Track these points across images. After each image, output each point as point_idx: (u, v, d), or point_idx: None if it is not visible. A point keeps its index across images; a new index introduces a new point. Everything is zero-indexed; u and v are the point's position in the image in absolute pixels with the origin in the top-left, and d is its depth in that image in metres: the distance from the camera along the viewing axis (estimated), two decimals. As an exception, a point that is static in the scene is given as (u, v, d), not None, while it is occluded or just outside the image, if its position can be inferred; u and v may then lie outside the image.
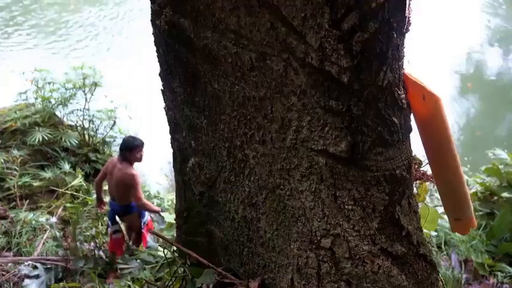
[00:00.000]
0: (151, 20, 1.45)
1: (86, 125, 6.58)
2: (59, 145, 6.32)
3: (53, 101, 6.50)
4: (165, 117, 1.72)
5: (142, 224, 4.26)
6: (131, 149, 3.87)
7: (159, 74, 1.60)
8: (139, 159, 3.96)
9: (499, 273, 3.59)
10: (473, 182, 4.65)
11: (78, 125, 6.59)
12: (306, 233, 1.18)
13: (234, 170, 1.39)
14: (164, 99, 1.63)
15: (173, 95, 1.50)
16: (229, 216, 1.50)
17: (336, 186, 1.11)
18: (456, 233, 1.25)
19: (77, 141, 6.34)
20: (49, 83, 6.55)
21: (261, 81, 1.15)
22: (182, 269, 1.79)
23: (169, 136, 1.78)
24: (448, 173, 1.13)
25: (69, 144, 6.27)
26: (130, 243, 4.38)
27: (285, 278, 1.30)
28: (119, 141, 6.92)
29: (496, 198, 4.27)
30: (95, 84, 6.48)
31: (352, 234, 1.12)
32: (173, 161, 1.80)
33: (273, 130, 1.19)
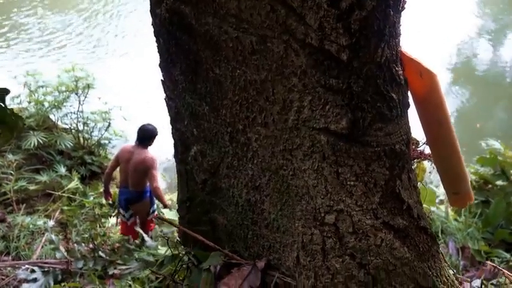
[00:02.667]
0: (151, 11, 1.48)
1: (80, 128, 6.58)
2: (54, 148, 6.32)
3: (46, 105, 6.48)
4: (165, 108, 1.74)
5: (150, 211, 4.41)
6: (153, 137, 4.03)
7: (159, 65, 1.62)
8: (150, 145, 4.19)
9: (495, 258, 3.65)
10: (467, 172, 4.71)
11: (72, 127, 6.58)
12: (310, 210, 1.22)
13: (236, 155, 1.42)
14: (164, 89, 1.66)
15: (174, 84, 1.53)
16: (232, 201, 1.52)
17: (338, 163, 1.15)
18: (454, 207, 1.29)
19: (72, 144, 6.34)
20: (42, 87, 6.53)
21: (262, 64, 1.18)
22: (187, 258, 1.81)
23: (169, 127, 1.80)
24: (445, 147, 1.17)
25: (64, 147, 6.26)
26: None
27: (290, 257, 1.33)
28: (114, 142, 6.94)
29: (490, 186, 4.34)
30: (88, 87, 6.48)
31: (355, 209, 1.16)
32: (174, 151, 1.83)
33: (274, 112, 1.23)
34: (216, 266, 1.40)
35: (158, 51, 1.58)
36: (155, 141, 4.22)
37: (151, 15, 1.48)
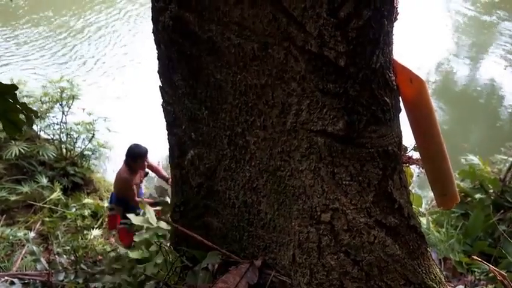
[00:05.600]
0: (152, 18, 1.53)
1: (64, 139, 6.51)
2: (36, 159, 6.23)
3: (29, 115, 6.41)
4: (163, 113, 1.79)
5: (123, 222, 4.53)
6: (132, 157, 4.18)
7: (158, 71, 1.67)
8: (143, 168, 4.34)
9: (476, 270, 3.74)
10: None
11: (55, 138, 6.51)
12: (307, 209, 1.27)
13: (234, 157, 1.47)
14: (162, 95, 1.71)
15: (173, 89, 1.58)
16: (228, 203, 1.57)
17: (334, 164, 1.21)
18: (442, 208, 1.36)
19: (54, 155, 6.26)
20: (24, 97, 6.47)
21: (263, 70, 1.25)
22: (180, 262, 1.83)
23: (166, 132, 1.84)
24: (433, 150, 1.25)
25: (46, 158, 6.18)
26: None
27: (286, 255, 1.37)
28: (98, 154, 6.89)
29: (469, 199, 4.47)
30: (73, 98, 6.44)
31: (349, 207, 1.22)
32: (170, 156, 1.86)
33: (273, 115, 1.29)
34: (214, 265, 1.43)
35: (158, 58, 1.63)
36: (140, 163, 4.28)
37: (153, 23, 1.54)
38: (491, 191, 4.41)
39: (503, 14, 11.28)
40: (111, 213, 4.64)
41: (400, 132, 1.26)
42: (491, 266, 1.41)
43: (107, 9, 11.07)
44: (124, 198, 4.38)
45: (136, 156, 4.17)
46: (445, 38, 10.63)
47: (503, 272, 1.37)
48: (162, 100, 1.73)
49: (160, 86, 1.69)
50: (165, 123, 1.81)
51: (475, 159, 4.97)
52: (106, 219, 5.16)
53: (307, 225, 1.27)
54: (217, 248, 1.52)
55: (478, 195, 4.40)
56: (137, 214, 4.59)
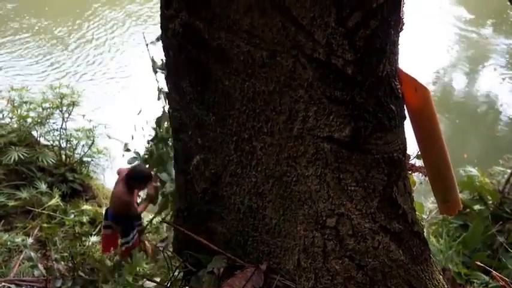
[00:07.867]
0: (161, 25, 1.57)
1: (63, 145, 6.52)
2: (35, 165, 6.22)
3: (29, 120, 6.44)
4: (169, 119, 1.82)
5: (123, 241, 4.38)
6: (139, 180, 4.00)
7: (165, 77, 1.71)
8: (142, 189, 4.19)
9: (475, 281, 3.75)
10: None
11: (54, 144, 6.52)
12: (312, 214, 1.29)
13: (241, 163, 1.49)
14: (169, 101, 1.74)
15: (181, 95, 1.60)
16: (233, 208, 1.58)
17: (340, 170, 1.24)
18: (445, 215, 1.39)
19: (53, 161, 6.26)
20: (25, 103, 6.50)
21: (271, 77, 1.28)
22: (183, 267, 1.84)
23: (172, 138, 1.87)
24: (436, 155, 1.28)
25: (45, 163, 6.17)
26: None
27: (291, 260, 1.39)
28: (97, 161, 6.90)
29: (468, 210, 4.49)
30: (73, 104, 6.46)
31: (354, 213, 1.24)
32: (175, 161, 1.89)
33: (280, 121, 1.31)
34: (220, 269, 1.45)
35: (166, 65, 1.67)
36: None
37: (162, 30, 1.57)
38: (490, 202, 4.44)
39: (490, 31, 11.53)
40: (108, 232, 4.43)
41: (405, 139, 1.29)
42: (493, 271, 1.42)
43: (105, 25, 11.17)
44: (124, 216, 4.23)
45: (143, 180, 4.01)
46: (440, 52, 10.77)
47: (506, 278, 1.38)
48: (168, 106, 1.76)
49: (167, 92, 1.73)
50: (171, 129, 1.84)
51: (473, 171, 5.00)
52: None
53: (312, 230, 1.29)
54: (222, 252, 1.54)
55: (477, 207, 4.42)
56: (140, 228, 4.51)
